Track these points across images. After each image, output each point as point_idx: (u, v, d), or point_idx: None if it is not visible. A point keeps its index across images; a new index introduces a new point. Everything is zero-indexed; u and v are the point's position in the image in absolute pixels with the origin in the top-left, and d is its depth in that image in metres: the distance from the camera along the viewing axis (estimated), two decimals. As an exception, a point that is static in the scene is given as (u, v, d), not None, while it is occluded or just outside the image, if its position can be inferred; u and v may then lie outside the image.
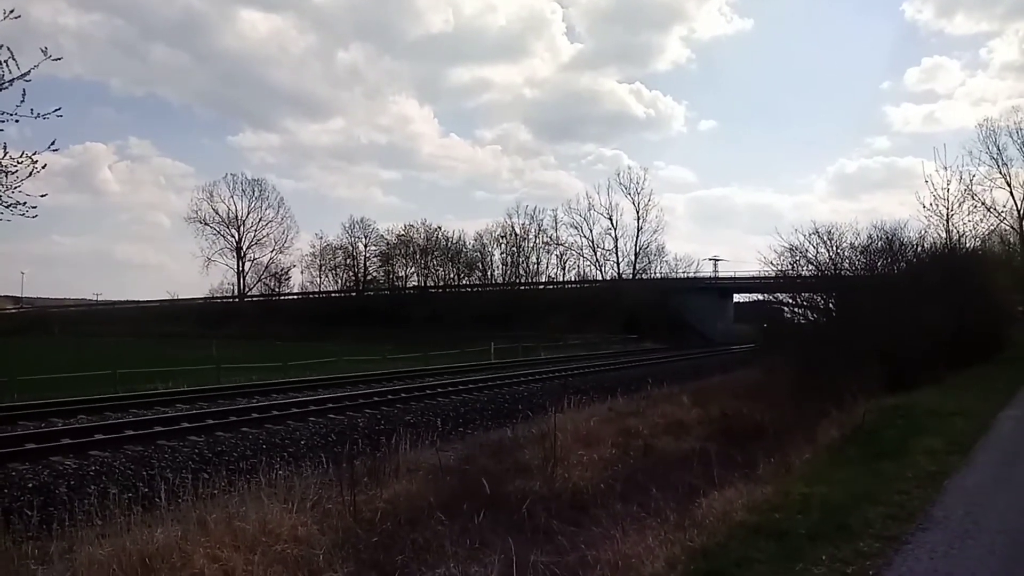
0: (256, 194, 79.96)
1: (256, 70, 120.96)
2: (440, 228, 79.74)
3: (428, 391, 19.51)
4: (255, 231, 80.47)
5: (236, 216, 79.44)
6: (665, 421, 15.48)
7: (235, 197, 79.30)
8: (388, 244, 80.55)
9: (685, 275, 72.82)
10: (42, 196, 12.54)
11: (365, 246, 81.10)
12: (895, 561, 5.73)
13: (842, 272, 22.93)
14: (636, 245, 74.26)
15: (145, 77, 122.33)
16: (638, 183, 74.68)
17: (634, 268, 73.77)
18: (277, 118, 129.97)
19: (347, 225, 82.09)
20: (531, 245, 77.74)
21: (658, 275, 73.02)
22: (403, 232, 79.94)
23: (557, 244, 77.42)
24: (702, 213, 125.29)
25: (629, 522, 7.30)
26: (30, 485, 9.45)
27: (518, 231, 77.04)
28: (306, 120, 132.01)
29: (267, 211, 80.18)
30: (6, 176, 14.35)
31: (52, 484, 9.60)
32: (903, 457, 9.69)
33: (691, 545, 6.24)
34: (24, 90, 12.08)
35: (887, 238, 24.90)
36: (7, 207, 14.88)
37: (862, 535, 6.31)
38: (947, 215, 39.20)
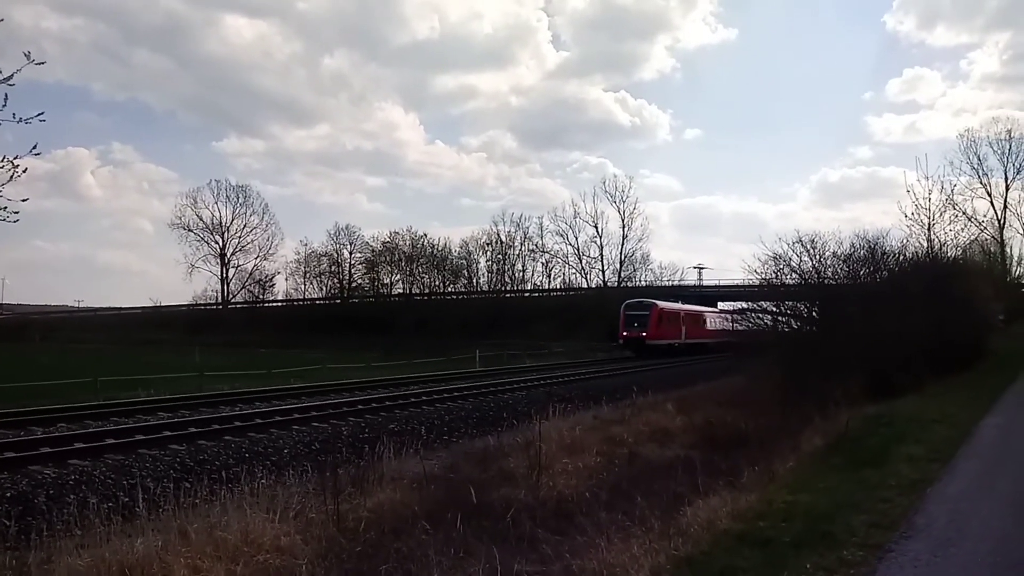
0: (240, 200, 79.92)
1: (241, 76, 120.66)
2: (426, 235, 79.94)
3: (412, 399, 19.42)
4: (239, 238, 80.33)
5: (220, 222, 79.35)
6: (650, 429, 15.51)
7: (219, 203, 79.24)
8: (373, 251, 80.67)
9: (670, 283, 73.31)
10: (24, 201, 12.36)
11: (350, 253, 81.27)
12: (879, 569, 5.75)
13: (825, 280, 23.08)
14: (621, 253, 74.82)
15: (128, 82, 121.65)
16: (623, 191, 75.31)
17: (619, 276, 74.23)
18: (262, 124, 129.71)
19: (332, 232, 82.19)
20: (517, 253, 78.14)
21: (643, 283, 73.44)
22: (388, 239, 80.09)
23: (543, 252, 77.83)
24: (687, 221, 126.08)
25: (614, 531, 7.28)
26: (8, 495, 9.31)
27: (504, 239, 77.36)
28: (291, 126, 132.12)
29: (251, 217, 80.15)
30: (-14, 181, 14.19)
31: (31, 493, 9.45)
32: (886, 465, 9.75)
33: (676, 554, 6.24)
34: (6, 94, 11.90)
35: (869, 247, 25.10)
36: (-12, 212, 14.70)
37: (846, 543, 6.33)
38: (929, 224, 39.77)
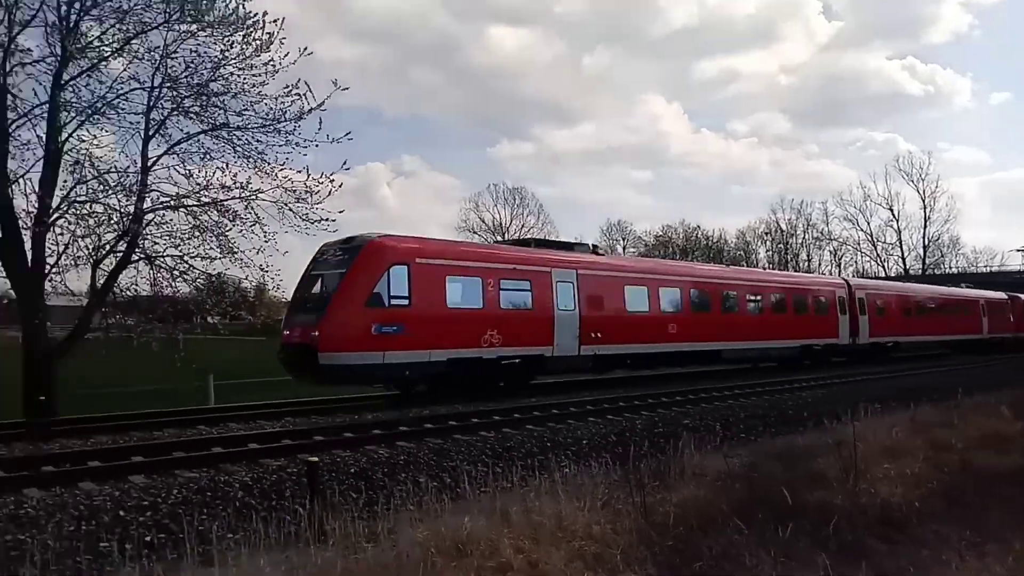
0: (517, 202, 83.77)
1: (507, 83, 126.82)
2: (699, 227, 78.35)
3: (703, 393, 19.04)
4: (519, 237, 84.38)
5: (500, 223, 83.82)
6: (980, 433, 13.68)
7: (498, 206, 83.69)
8: (647, 245, 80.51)
9: (987, 269, 64.43)
10: (340, 212, 14.34)
11: (624, 248, 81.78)
12: None
13: None
14: (924, 237, 67.26)
15: (410, 98, 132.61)
16: (921, 168, 68.10)
17: (923, 263, 66.78)
18: (528, 127, 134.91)
19: (604, 228, 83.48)
20: (799, 241, 73.57)
21: (954, 270, 65.31)
22: (661, 232, 79.58)
23: (829, 239, 72.38)
24: (1001, 198, 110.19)
25: (964, 546, 6.47)
26: (352, 470, 10.58)
27: (784, 227, 73.23)
28: (557, 127, 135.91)
29: (528, 218, 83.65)
30: (310, 195, 16.36)
31: (370, 470, 10.65)
32: None
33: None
34: (320, 119, 13.72)
35: None
36: (313, 223, 16.86)
37: None
38: None
